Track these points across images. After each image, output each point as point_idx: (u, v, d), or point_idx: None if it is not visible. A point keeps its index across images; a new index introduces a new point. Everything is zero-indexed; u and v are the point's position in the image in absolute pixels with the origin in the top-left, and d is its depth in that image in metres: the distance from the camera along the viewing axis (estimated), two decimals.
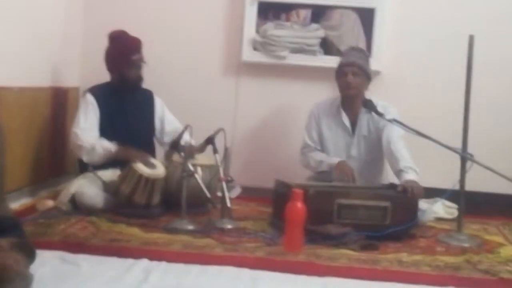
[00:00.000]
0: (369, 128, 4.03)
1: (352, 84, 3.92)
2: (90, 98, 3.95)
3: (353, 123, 4.05)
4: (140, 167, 3.68)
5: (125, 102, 4.04)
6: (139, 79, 4.04)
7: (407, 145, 3.86)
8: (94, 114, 3.93)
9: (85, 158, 3.87)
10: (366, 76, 3.98)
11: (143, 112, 4.13)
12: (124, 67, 3.98)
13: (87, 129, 3.88)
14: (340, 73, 3.97)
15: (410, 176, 3.66)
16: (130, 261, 2.84)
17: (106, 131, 3.94)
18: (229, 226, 3.52)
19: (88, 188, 3.71)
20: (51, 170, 4.24)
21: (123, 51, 3.99)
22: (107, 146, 3.86)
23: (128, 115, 4.04)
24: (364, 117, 4.02)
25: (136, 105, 4.09)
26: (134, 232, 3.34)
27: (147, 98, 4.17)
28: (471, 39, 3.59)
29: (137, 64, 4.00)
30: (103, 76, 4.08)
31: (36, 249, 2.52)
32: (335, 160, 3.94)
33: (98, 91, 4.00)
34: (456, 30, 4.35)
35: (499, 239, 3.70)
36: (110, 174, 3.85)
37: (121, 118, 4.01)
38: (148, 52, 4.11)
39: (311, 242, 3.25)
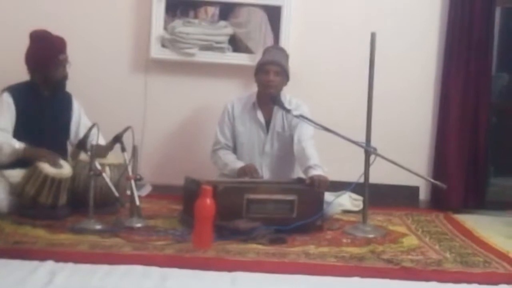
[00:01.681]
0: (283, 125, 4.09)
1: (273, 83, 3.98)
2: (7, 98, 3.85)
3: (268, 120, 4.11)
4: (45, 167, 3.60)
5: (44, 103, 3.95)
6: (65, 78, 3.96)
7: (316, 144, 3.96)
8: (9, 114, 3.83)
9: None
10: (286, 75, 4.05)
11: (60, 114, 4.04)
12: (51, 66, 3.88)
13: None
14: (262, 71, 4.01)
15: (317, 172, 3.75)
16: (34, 263, 2.77)
17: (20, 131, 3.84)
18: (138, 225, 3.49)
19: None
20: None
21: (49, 51, 3.88)
22: (15, 145, 3.76)
23: (45, 116, 3.94)
24: (278, 114, 4.08)
25: (55, 107, 4.00)
26: (39, 234, 3.27)
27: (66, 101, 4.08)
28: (373, 36, 3.71)
29: (64, 64, 3.92)
30: (12, 75, 3.95)
31: None
32: (238, 165, 3.97)
33: (16, 91, 3.89)
34: (359, 28, 4.47)
35: (402, 229, 3.85)
36: (17, 174, 3.73)
37: (38, 119, 3.91)
38: None
39: (221, 238, 3.28)
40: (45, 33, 3.94)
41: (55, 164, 3.67)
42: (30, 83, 3.96)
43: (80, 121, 4.11)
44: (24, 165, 3.75)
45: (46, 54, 3.89)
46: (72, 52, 4.43)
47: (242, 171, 3.90)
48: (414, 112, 4.72)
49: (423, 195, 4.72)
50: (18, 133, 3.84)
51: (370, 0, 4.66)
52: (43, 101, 3.95)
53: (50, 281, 2.58)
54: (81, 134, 4.01)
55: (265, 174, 4.06)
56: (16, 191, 3.64)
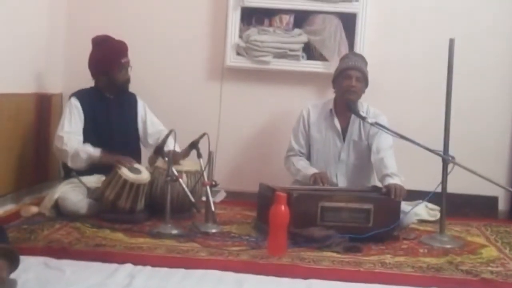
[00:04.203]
0: (360, 134, 4.05)
1: (354, 88, 3.94)
2: (75, 102, 3.97)
3: (345, 128, 4.07)
4: (125, 172, 3.69)
5: (110, 106, 4.07)
6: (128, 81, 4.08)
7: (395, 154, 3.91)
8: (79, 117, 3.96)
9: (69, 163, 3.89)
10: (366, 82, 4.01)
11: (127, 116, 4.15)
12: (114, 70, 4.01)
13: (71, 132, 3.90)
14: (343, 76, 3.97)
15: (394, 180, 3.71)
16: (114, 266, 2.84)
17: (90, 135, 3.96)
18: (214, 230, 3.53)
19: (71, 194, 3.71)
20: (35, 176, 4.23)
21: (112, 54, 4.02)
22: (91, 152, 3.87)
23: (113, 119, 4.06)
24: (355, 123, 4.05)
25: (121, 109, 4.11)
26: (118, 237, 3.35)
27: (131, 102, 4.19)
28: (451, 42, 3.64)
29: (126, 67, 4.04)
30: (86, 82, 4.11)
31: (19, 255, 2.52)
32: (310, 171, 3.94)
33: (83, 95, 4.02)
34: (436, 34, 4.40)
35: (481, 240, 3.75)
36: (95, 180, 3.86)
37: (106, 122, 4.04)
38: (132, 57, 4.13)
39: (295, 245, 3.28)
40: (106, 37, 4.05)
41: (133, 169, 3.76)
42: (95, 88, 4.08)
43: (146, 117, 4.20)
44: (100, 171, 3.87)
45: (108, 58, 4.01)
46: (150, 60, 4.60)
47: (313, 178, 3.88)
48: (493, 119, 4.60)
49: (502, 205, 4.58)
50: (88, 137, 3.95)
51: (446, 5, 4.56)
52: (109, 104, 4.07)
53: (130, 283, 2.64)
54: (149, 131, 4.16)
55: (341, 182, 4.03)
56: (95, 195, 3.75)
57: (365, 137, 4.03)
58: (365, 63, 4.07)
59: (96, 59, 4.04)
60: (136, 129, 4.19)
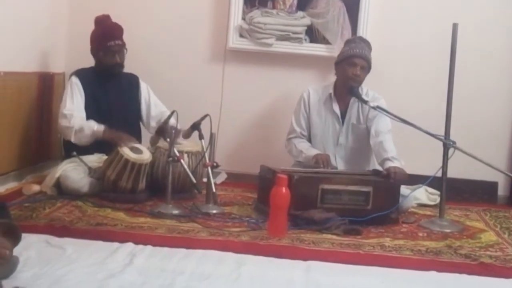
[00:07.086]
0: (358, 117, 4.05)
1: (358, 78, 3.93)
2: (75, 80, 4.00)
3: (343, 112, 4.07)
4: (126, 152, 3.70)
5: (109, 86, 4.09)
6: (116, 65, 4.05)
7: (394, 138, 3.92)
8: (80, 95, 3.99)
9: (73, 139, 3.91)
10: (369, 70, 4.01)
11: (127, 96, 4.16)
12: (100, 52, 4.03)
13: (74, 110, 3.93)
14: (349, 63, 3.94)
15: (394, 164, 3.71)
16: (115, 244, 2.85)
17: (91, 113, 3.98)
18: (214, 211, 3.55)
19: (73, 173, 3.72)
20: (37, 155, 4.24)
21: (100, 37, 4.03)
22: (95, 127, 3.89)
23: (112, 98, 4.08)
24: (354, 106, 4.04)
25: (120, 89, 4.13)
26: (119, 217, 3.37)
27: (132, 83, 4.20)
28: (454, 27, 3.63)
29: (112, 51, 4.02)
30: (88, 61, 4.11)
31: (21, 232, 2.54)
32: (313, 152, 3.95)
33: (83, 74, 4.05)
34: (440, 19, 4.38)
35: (480, 225, 3.77)
36: (95, 159, 3.87)
37: (106, 101, 4.06)
38: (134, 37, 4.13)
39: (295, 227, 3.30)
40: (102, 18, 4.07)
41: (134, 149, 3.76)
42: (95, 68, 4.11)
43: (150, 100, 4.21)
44: (101, 150, 3.90)
45: (96, 40, 4.04)
46: (153, 41, 4.59)
47: (315, 159, 3.88)
48: (494, 105, 4.59)
49: (502, 190, 4.59)
50: (88, 116, 3.97)
51: None
52: (108, 84, 4.09)
53: (130, 262, 2.66)
54: (153, 113, 4.17)
55: (340, 165, 4.04)
56: (97, 174, 3.76)
57: (364, 121, 4.04)
58: (370, 49, 4.05)
59: (90, 39, 4.09)
60: (137, 110, 4.20)
